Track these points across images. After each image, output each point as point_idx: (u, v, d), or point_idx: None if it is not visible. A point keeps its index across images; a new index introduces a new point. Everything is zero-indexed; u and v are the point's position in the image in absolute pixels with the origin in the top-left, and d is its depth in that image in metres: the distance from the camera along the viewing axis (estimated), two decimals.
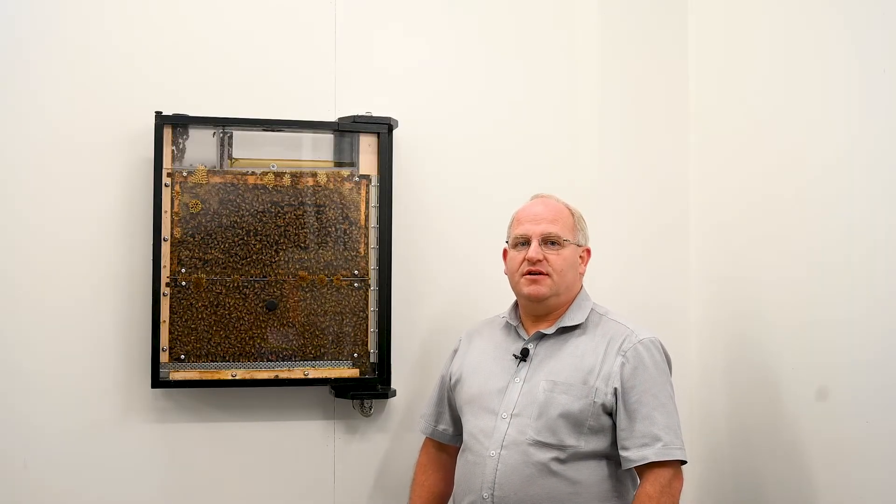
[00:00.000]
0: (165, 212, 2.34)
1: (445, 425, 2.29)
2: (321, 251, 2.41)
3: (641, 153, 2.63)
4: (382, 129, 2.45)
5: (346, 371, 2.42)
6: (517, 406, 2.04)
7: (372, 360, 2.44)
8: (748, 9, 2.40)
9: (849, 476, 1.98)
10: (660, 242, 2.62)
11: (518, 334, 2.16)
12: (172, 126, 2.36)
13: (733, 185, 2.44)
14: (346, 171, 2.45)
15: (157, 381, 2.32)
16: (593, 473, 1.99)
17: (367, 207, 2.45)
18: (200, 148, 2.39)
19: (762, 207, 2.30)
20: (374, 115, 2.47)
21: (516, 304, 2.21)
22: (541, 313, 2.14)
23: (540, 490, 1.96)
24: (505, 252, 2.21)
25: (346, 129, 2.46)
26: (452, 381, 2.23)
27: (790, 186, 2.19)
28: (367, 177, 2.46)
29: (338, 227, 2.43)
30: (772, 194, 2.26)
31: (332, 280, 2.42)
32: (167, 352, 2.33)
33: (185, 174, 2.36)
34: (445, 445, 2.29)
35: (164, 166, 2.35)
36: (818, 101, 2.10)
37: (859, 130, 1.97)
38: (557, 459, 1.98)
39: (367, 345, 2.43)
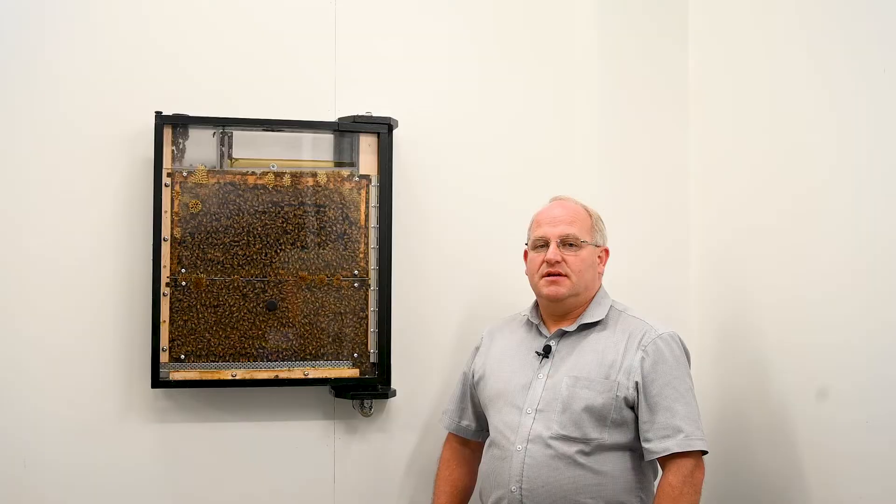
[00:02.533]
0: (165, 212, 2.34)
1: (468, 421, 2.33)
2: (321, 251, 2.41)
3: (642, 154, 2.63)
4: (382, 129, 2.45)
5: (346, 371, 2.42)
6: (541, 401, 2.08)
7: (372, 360, 2.44)
8: (748, 9, 2.40)
9: (848, 473, 1.98)
10: (660, 242, 2.63)
11: (539, 332, 2.20)
12: (172, 126, 2.36)
13: (733, 187, 2.44)
14: (346, 171, 2.45)
15: (157, 381, 2.32)
16: (617, 465, 2.04)
17: (367, 207, 2.45)
18: (200, 148, 2.39)
19: (762, 208, 2.30)
20: (374, 115, 2.47)
21: (537, 304, 2.25)
22: (560, 312, 2.18)
23: (567, 482, 2.01)
24: (525, 253, 2.25)
25: (346, 129, 2.46)
26: (475, 377, 2.27)
27: (790, 186, 2.19)
28: (367, 177, 2.46)
29: (338, 227, 2.43)
30: (771, 194, 2.26)
31: (332, 280, 2.42)
32: (167, 352, 2.33)
33: (185, 174, 2.36)
34: (468, 441, 2.34)
35: (164, 166, 2.35)
36: (818, 102, 2.10)
37: (859, 130, 1.97)
38: (583, 452, 2.03)
39: (367, 345, 2.43)
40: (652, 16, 2.66)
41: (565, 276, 2.13)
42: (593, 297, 2.19)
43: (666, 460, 2.02)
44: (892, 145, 1.88)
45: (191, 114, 2.37)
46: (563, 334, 2.16)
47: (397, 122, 2.49)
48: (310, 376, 2.39)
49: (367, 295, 2.44)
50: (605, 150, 2.63)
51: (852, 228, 1.98)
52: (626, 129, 2.64)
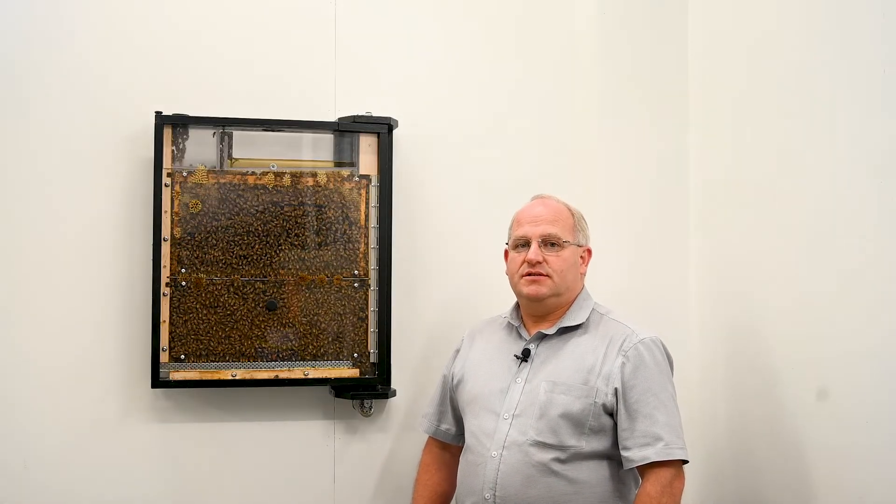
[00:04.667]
0: (165, 212, 2.34)
1: (448, 425, 2.29)
2: (321, 251, 2.41)
3: (641, 153, 2.63)
4: (382, 129, 2.45)
5: (346, 371, 2.42)
6: (518, 406, 2.04)
7: (372, 360, 2.44)
8: (748, 8, 2.40)
9: (849, 475, 1.98)
10: (660, 243, 2.62)
11: (519, 334, 2.16)
12: (172, 126, 2.36)
13: (734, 186, 2.44)
14: (346, 171, 2.45)
15: (157, 381, 2.32)
16: (594, 473, 1.99)
17: (367, 207, 2.45)
18: (200, 148, 2.39)
19: (762, 207, 2.30)
20: (374, 115, 2.47)
21: (518, 305, 2.22)
22: (541, 313, 2.14)
23: (541, 490, 1.97)
24: (506, 253, 2.22)
25: (346, 129, 2.46)
26: (455, 381, 2.23)
27: (790, 186, 2.19)
28: (367, 177, 2.46)
29: (338, 227, 2.43)
30: (772, 194, 2.26)
31: (332, 280, 2.42)
32: (167, 352, 2.33)
33: (185, 174, 2.36)
34: (448, 445, 2.30)
35: (164, 166, 2.35)
36: (818, 101, 2.10)
37: (859, 130, 1.97)
38: (558, 460, 1.98)
39: (367, 345, 2.43)
40: (652, 17, 2.66)
41: (546, 275, 2.08)
42: (575, 299, 2.15)
43: (645, 469, 1.97)
44: (893, 146, 1.88)
45: (191, 114, 2.37)
46: (542, 337, 2.12)
47: (397, 122, 2.49)
48: (310, 376, 2.39)
49: (367, 295, 2.44)
50: (605, 152, 2.63)
51: (853, 229, 1.98)
52: (627, 131, 2.63)
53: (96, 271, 2.37)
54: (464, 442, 2.19)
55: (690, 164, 2.63)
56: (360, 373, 2.43)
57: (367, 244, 2.44)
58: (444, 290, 2.56)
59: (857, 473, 1.96)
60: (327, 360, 2.42)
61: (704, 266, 2.57)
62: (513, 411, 2.04)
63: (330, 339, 2.41)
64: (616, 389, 2.00)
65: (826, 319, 2.05)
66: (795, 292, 2.16)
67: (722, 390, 2.46)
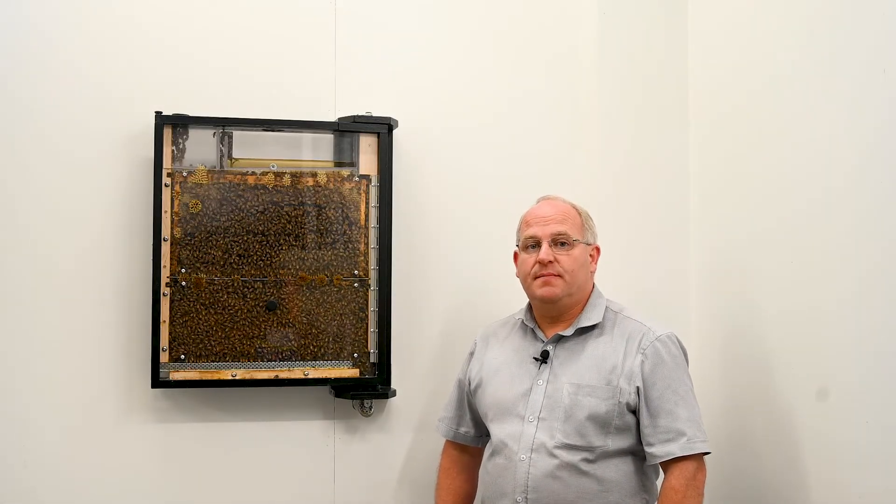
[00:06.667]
0: (165, 212, 2.34)
1: (467, 427, 2.29)
2: (321, 251, 2.42)
3: (642, 151, 2.63)
4: (382, 129, 2.45)
5: (346, 371, 2.42)
6: (543, 409, 2.06)
7: (372, 360, 2.44)
8: (747, 9, 2.40)
9: (849, 474, 1.98)
10: (659, 242, 2.62)
11: (535, 335, 2.17)
12: (172, 126, 2.36)
13: (733, 183, 2.44)
14: (346, 171, 2.45)
15: (157, 381, 2.32)
16: (620, 470, 2.03)
17: (367, 207, 2.45)
18: (200, 148, 2.39)
19: (762, 206, 2.30)
20: (374, 115, 2.47)
21: (530, 305, 2.22)
22: (555, 314, 2.15)
23: (572, 491, 1.99)
24: (515, 255, 2.22)
25: (346, 129, 2.46)
26: (472, 385, 2.23)
27: (790, 185, 2.19)
28: (367, 177, 2.46)
29: (338, 227, 2.43)
30: (772, 193, 2.26)
31: (332, 280, 2.42)
32: (167, 352, 2.33)
33: (185, 174, 2.36)
34: (467, 447, 2.31)
35: (164, 166, 2.35)
36: (818, 101, 2.10)
37: (859, 130, 1.97)
38: (587, 460, 2.01)
39: (367, 345, 2.43)
40: (652, 16, 2.66)
41: (558, 275, 2.09)
42: (588, 299, 2.16)
43: (668, 463, 2.01)
44: (893, 146, 1.88)
45: (191, 114, 2.37)
46: (559, 339, 2.13)
47: (397, 122, 2.49)
48: (310, 376, 2.39)
49: (367, 295, 2.44)
50: (605, 152, 2.63)
51: (853, 228, 1.98)
52: (627, 131, 2.63)
53: (96, 271, 2.37)
54: (482, 443, 2.22)
55: (690, 164, 2.63)
56: (360, 373, 2.43)
57: (367, 244, 2.44)
58: (445, 289, 2.56)
59: (856, 471, 1.96)
60: (327, 360, 2.42)
61: (704, 265, 2.57)
62: (537, 413, 2.06)
63: (330, 339, 2.41)
64: (638, 388, 2.03)
65: (825, 318, 2.05)
66: (794, 290, 2.16)
67: (720, 388, 2.46)
